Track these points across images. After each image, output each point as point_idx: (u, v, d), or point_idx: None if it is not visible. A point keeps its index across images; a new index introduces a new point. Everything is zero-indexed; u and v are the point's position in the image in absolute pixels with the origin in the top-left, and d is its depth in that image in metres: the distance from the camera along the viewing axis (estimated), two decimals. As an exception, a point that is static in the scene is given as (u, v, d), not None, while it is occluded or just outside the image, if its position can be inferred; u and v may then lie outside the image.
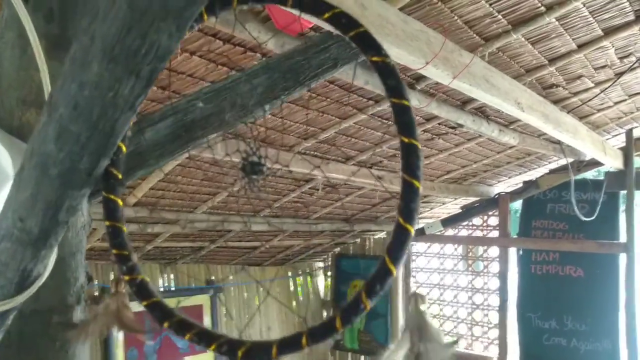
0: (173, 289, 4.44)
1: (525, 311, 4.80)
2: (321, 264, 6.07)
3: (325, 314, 5.92)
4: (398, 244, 0.67)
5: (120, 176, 0.83)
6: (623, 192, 4.46)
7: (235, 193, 3.42)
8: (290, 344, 0.72)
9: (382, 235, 5.60)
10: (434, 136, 3.31)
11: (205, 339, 0.77)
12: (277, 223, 4.08)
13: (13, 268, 0.78)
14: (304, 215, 4.32)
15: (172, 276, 4.53)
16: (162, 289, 4.39)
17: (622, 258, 4.39)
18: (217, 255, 4.57)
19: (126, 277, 0.80)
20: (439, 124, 3.08)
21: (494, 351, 4.92)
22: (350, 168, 3.35)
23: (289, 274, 5.76)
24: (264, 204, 3.73)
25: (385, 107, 2.58)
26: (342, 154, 3.21)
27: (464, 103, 2.83)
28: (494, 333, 4.96)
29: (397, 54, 1.54)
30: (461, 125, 2.92)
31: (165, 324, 0.78)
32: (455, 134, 3.33)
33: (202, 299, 4.46)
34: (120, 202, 0.83)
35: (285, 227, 4.19)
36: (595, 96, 3.10)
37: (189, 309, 4.23)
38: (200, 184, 3.14)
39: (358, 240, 5.73)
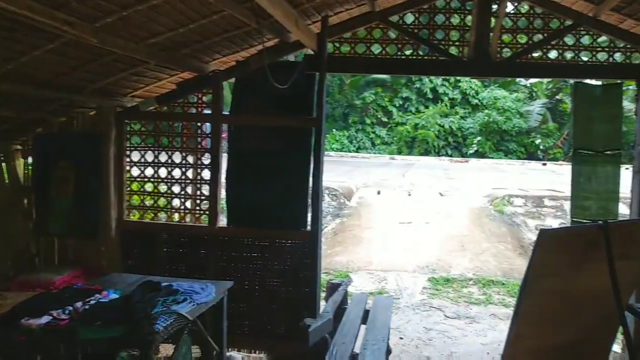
0: None
1: (233, 182, 5.18)
2: (19, 147, 5.33)
3: (26, 201, 5.31)
4: None
5: None
6: (317, 74, 5.06)
7: None
8: None
9: (92, 112, 5.20)
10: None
11: None
12: None
13: None
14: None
15: None
16: None
17: (314, 132, 5.07)
18: None
19: None
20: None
21: (204, 220, 5.23)
22: (26, 1, 2.90)
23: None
24: None
25: None
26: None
27: None
28: (206, 205, 5.24)
29: None
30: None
31: None
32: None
33: None
34: None
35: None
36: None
37: None
38: None
39: (64, 118, 5.20)
